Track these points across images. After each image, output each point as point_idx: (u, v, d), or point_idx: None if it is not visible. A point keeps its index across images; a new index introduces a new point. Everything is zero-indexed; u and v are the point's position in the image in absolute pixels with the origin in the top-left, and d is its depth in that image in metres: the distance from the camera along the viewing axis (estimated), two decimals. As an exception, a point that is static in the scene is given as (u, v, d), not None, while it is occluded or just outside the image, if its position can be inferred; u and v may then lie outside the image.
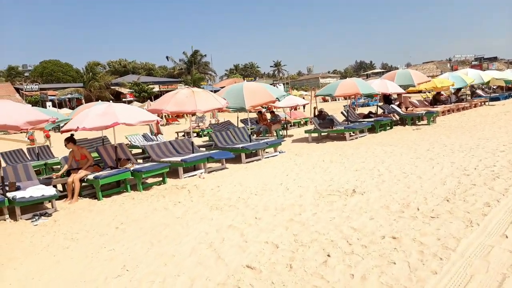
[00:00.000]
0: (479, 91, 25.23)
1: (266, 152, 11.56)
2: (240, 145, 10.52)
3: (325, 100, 51.90)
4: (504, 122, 13.24)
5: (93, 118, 7.74)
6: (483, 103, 21.99)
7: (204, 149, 11.54)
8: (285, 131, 16.95)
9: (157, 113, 9.24)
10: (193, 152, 9.73)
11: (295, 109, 33.32)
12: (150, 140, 14.66)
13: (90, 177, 7.73)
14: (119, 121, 7.57)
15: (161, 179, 8.61)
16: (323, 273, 3.46)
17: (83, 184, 7.96)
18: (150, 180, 8.91)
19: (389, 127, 15.20)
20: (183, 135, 21.38)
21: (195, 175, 9.10)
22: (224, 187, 7.56)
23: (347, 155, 9.92)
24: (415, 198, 5.43)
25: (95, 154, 9.01)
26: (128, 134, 15.31)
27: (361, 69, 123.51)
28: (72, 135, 8.33)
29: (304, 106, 33.58)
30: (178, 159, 9.01)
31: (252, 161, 10.47)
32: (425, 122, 15.77)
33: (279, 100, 10.57)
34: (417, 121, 16.20)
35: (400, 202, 5.34)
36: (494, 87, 26.75)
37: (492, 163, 7.09)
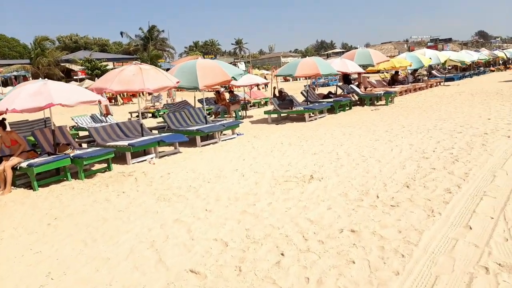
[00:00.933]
0: (435, 72, 25.80)
1: (224, 135, 11.06)
2: (195, 127, 9.93)
3: (286, 80, 51.65)
4: (459, 103, 13.45)
5: (25, 98, 6.86)
6: (438, 84, 22.49)
7: (156, 131, 10.86)
8: (244, 111, 16.44)
9: (100, 92, 8.43)
10: (142, 136, 9.04)
11: (257, 88, 32.88)
12: (99, 122, 13.68)
13: (24, 164, 6.91)
14: (54, 102, 6.75)
15: (106, 165, 7.91)
16: (276, 276, 3.06)
17: (18, 172, 7.13)
18: (95, 167, 8.19)
19: (348, 108, 15.09)
20: (137, 116, 20.36)
21: (145, 160, 8.45)
22: (175, 174, 7.01)
23: (306, 137, 9.61)
24: (374, 184, 5.16)
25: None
26: (74, 115, 14.22)
27: (322, 49, 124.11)
28: (3, 119, 7.41)
29: (265, 85, 33.20)
30: (126, 143, 8.32)
31: (208, 144, 9.93)
32: (383, 102, 15.82)
33: (235, 79, 10.01)
34: (375, 102, 16.22)
35: (359, 189, 5.05)
36: (449, 67, 27.48)
37: (450, 145, 7.00)
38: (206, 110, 17.35)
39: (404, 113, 12.37)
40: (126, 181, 6.86)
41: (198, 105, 19.06)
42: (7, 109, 6.70)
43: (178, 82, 9.10)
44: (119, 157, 8.63)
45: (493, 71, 31.67)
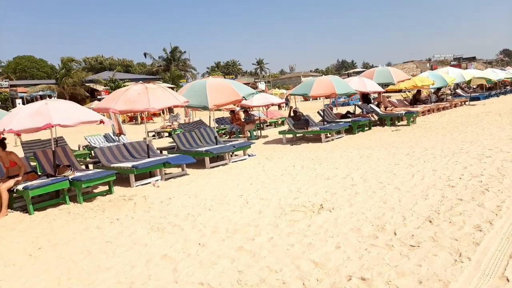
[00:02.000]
0: (459, 91, 24.83)
1: (235, 156, 10.60)
2: (204, 148, 9.51)
3: (306, 99, 51.14)
4: (487, 124, 12.60)
5: (22, 118, 6.61)
6: (463, 103, 21.54)
7: (166, 152, 10.51)
8: (259, 131, 15.99)
9: (106, 112, 8.14)
10: (148, 157, 8.67)
11: (279, 108, 32.43)
12: (112, 142, 13.48)
13: (20, 187, 6.60)
14: (53, 122, 6.46)
15: (108, 188, 7.53)
16: (264, 339, 2.50)
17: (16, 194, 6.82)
18: (98, 189, 7.83)
19: (367, 128, 14.43)
20: (153, 136, 20.23)
21: (149, 183, 8.05)
22: (177, 199, 6.54)
23: (321, 159, 9.03)
24: (391, 218, 4.54)
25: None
26: (88, 135, 14.09)
27: (343, 68, 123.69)
28: (3, 138, 7.17)
29: (281, 104, 32.82)
30: (130, 164, 7.95)
31: (218, 166, 9.48)
32: (404, 122, 15.08)
33: (245, 99, 9.59)
34: (396, 122, 15.50)
35: (374, 222, 4.44)
36: (474, 86, 26.44)
37: (479, 172, 6.29)
38: (221, 129, 17.15)
39: (427, 134, 11.63)
40: (124, 206, 6.43)
41: (214, 124, 18.84)
42: (4, 129, 6.45)
43: (186, 102, 8.74)
44: (125, 178, 8.27)
45: (522, 90, 30.31)
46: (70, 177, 6.98)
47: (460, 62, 66.91)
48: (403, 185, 5.95)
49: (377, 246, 3.76)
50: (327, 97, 14.92)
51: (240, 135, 15.28)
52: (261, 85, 73.54)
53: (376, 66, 18.11)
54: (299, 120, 13.21)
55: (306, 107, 30.40)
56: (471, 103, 21.94)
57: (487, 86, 26.27)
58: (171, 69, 65.33)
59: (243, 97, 9.35)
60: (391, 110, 15.73)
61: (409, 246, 3.70)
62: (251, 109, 21.55)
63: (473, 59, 72.24)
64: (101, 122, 7.19)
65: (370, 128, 14.53)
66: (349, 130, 13.76)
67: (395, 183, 6.12)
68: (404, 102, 19.43)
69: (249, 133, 15.55)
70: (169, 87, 24.29)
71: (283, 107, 36.85)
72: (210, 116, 17.05)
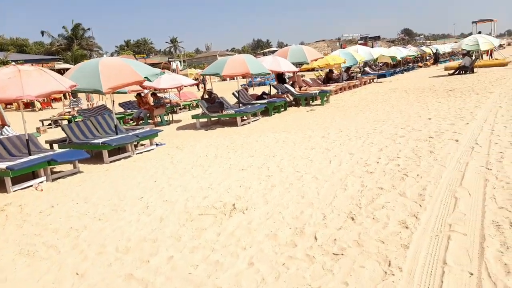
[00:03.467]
0: (368, 69, 25.88)
1: (142, 145, 9.47)
2: (101, 140, 8.23)
3: (223, 79, 50.09)
4: (395, 101, 12.97)
5: None
6: (371, 81, 22.41)
7: (57, 146, 8.99)
8: (171, 115, 14.78)
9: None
10: (29, 154, 7.20)
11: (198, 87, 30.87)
12: (-8, 135, 11.35)
13: None
14: None
15: (-28, 197, 6.03)
16: None
17: None
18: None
19: (283, 109, 14.09)
20: (49, 125, 17.86)
21: (32, 186, 6.67)
22: (61, 206, 5.37)
23: (236, 146, 8.34)
24: (311, 216, 3.99)
25: None
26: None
27: (259, 48, 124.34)
28: None
29: (199, 85, 31.48)
30: (3, 165, 6.47)
31: (119, 159, 8.30)
32: (319, 102, 15.05)
33: (149, 80, 8.45)
34: (311, 101, 15.42)
35: (292, 224, 3.85)
36: (381, 64, 27.79)
37: (395, 154, 6.08)
38: (128, 115, 15.60)
39: (341, 113, 11.57)
40: (-10, 221, 5.10)
41: (120, 109, 17.12)
42: None
43: (73, 86, 7.36)
44: (1, 182, 6.76)
45: (421, 67, 32.76)
46: None
47: (366, 41, 70.80)
48: (320, 173, 5.49)
49: (296, 259, 3.15)
50: (243, 77, 14.25)
51: (149, 121, 14.00)
52: (175, 64, 70.82)
53: (290, 45, 17.82)
54: (213, 102, 12.36)
55: (222, 88, 29.48)
56: (379, 80, 22.95)
57: (392, 63, 27.79)
58: (73, 48, 59.44)
59: (145, 77, 8.20)
60: (305, 90, 15.60)
61: (332, 255, 3.15)
62: (164, 91, 20.11)
63: (378, 38, 77.02)
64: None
65: (285, 109, 14.22)
66: (265, 112, 13.28)
67: (313, 172, 5.64)
68: (317, 81, 19.56)
69: (159, 118, 14.33)
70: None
71: (201, 88, 35.31)
72: (113, 101, 15.49)
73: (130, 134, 8.77)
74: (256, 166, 6.35)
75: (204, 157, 7.58)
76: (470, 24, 39.69)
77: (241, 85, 28.61)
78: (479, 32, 30.49)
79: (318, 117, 11.54)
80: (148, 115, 14.03)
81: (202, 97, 12.87)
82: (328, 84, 18.33)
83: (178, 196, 5.20)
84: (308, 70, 28.51)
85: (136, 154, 8.68)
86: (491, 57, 28.81)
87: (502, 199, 3.85)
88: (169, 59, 78.94)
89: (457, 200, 3.95)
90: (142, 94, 14.57)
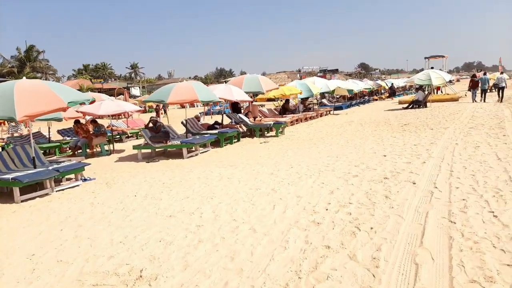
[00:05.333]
0: (325, 101, 25.85)
1: (68, 180, 8.23)
2: (12, 176, 6.95)
3: (182, 106, 48.78)
4: (350, 134, 12.50)
5: None
6: (328, 112, 22.23)
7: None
8: (112, 145, 13.45)
9: None
10: None
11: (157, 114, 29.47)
12: None
13: None
14: None
15: None
16: None
17: None
18: None
19: (236, 140, 13.28)
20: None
21: None
22: None
23: (173, 183, 7.33)
24: (237, 291, 3.05)
25: None
26: None
27: (221, 76, 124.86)
28: None
29: (159, 112, 30.00)
30: None
31: (35, 197, 7.03)
32: (274, 133, 14.39)
33: (74, 105, 7.35)
34: (266, 132, 14.74)
35: (210, 305, 2.89)
36: (338, 96, 27.93)
37: (347, 198, 5.32)
38: (65, 143, 14.15)
39: (294, 147, 10.88)
40: None
41: (59, 137, 15.60)
42: None
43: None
44: None
45: (376, 100, 33.39)
46: None
47: (325, 73, 72.71)
48: (261, 223, 4.60)
49: None
50: (191, 104, 13.37)
51: (88, 150, 12.69)
52: (135, 90, 68.87)
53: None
54: (158, 132, 11.33)
55: (182, 115, 28.43)
56: (335, 112, 22.82)
57: (348, 96, 28.00)
58: (25, 70, 56.47)
59: (69, 103, 7.09)
60: (260, 121, 14.92)
61: None
62: (112, 118, 18.81)
63: (336, 71, 79.41)
64: None
65: (239, 140, 13.40)
66: (217, 143, 12.40)
67: (252, 220, 4.74)
68: (274, 111, 19.04)
69: (100, 147, 13.03)
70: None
71: (162, 114, 33.53)
72: (49, 127, 14.08)
73: (50, 168, 7.53)
74: (188, 212, 5.37)
75: (132, 198, 6.49)
76: (422, 61, 41.45)
77: (200, 113, 27.76)
78: (432, 68, 31.64)
79: (270, 149, 10.78)
80: (86, 144, 12.72)
81: (146, 126, 11.79)
82: (285, 115, 17.81)
83: (78, 255, 4.10)
84: (269, 100, 28.10)
85: (57, 191, 7.44)
86: (441, 93, 29.82)
87: (472, 266, 3.11)
88: (128, 85, 77.04)
89: (418, 268, 3.16)
90: (80, 121, 13.27)
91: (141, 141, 15.18)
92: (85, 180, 8.26)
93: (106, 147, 13.28)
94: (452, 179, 5.83)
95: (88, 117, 14.79)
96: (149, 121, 11.82)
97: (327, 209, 4.93)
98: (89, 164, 8.63)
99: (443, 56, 38.66)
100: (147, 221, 5.14)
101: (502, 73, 25.36)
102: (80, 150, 12.71)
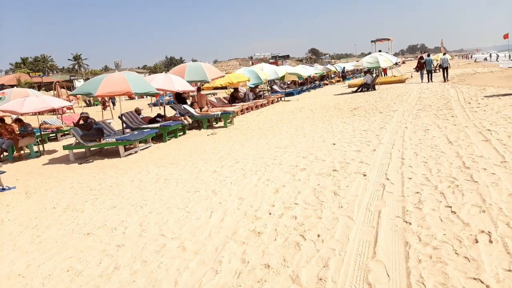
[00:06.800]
0: (276, 87, 25.39)
1: (-21, 191, 7.07)
2: None
3: (131, 98, 46.36)
4: (300, 121, 12.04)
5: None
6: (279, 99, 21.78)
7: None
8: (42, 146, 12.08)
9: None
10: None
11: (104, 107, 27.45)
12: None
13: None
14: None
15: None
16: None
17: None
18: None
19: (182, 133, 12.41)
20: None
21: None
22: None
23: (102, 189, 6.44)
24: None
25: None
26: None
27: (172, 65, 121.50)
28: None
29: (107, 105, 28.07)
30: None
31: None
32: (222, 123, 13.65)
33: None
34: (214, 123, 13.97)
35: None
36: (289, 82, 27.56)
37: (293, 198, 4.75)
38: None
39: (242, 138, 10.24)
40: None
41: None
42: None
43: None
44: None
45: (327, 84, 33.46)
46: None
47: (276, 59, 72.52)
48: (193, 238, 3.91)
49: None
50: (130, 96, 12.29)
51: (15, 153, 11.31)
52: (79, 83, 64.97)
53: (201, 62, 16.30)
54: (90, 129, 10.23)
55: (131, 107, 26.81)
56: (286, 98, 22.43)
57: (299, 81, 27.73)
58: (-50, 65, 51.41)
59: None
60: (207, 111, 14.10)
61: None
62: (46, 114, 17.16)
63: (287, 57, 79.56)
64: None
65: (185, 133, 12.54)
66: (160, 137, 11.48)
67: (183, 235, 4.04)
68: (224, 100, 18.24)
69: (28, 148, 11.68)
70: None
71: (109, 106, 31.08)
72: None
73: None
74: (110, 227, 4.56)
75: (50, 211, 5.56)
76: (369, 44, 42.14)
77: (148, 104, 26.27)
78: (380, 51, 32.08)
79: (217, 142, 10.06)
80: (12, 146, 11.32)
81: (76, 123, 10.63)
82: (234, 104, 17.08)
83: (-44, 300, 3.22)
84: (220, 88, 27.14)
85: (-38, 207, 6.31)
86: (386, 75, 30.35)
87: (433, 283, 2.61)
88: (71, 77, 72.68)
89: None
90: (5, 121, 11.79)
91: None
92: (3, 189, 7.15)
93: (35, 148, 11.94)
94: (404, 168, 5.43)
95: (14, 116, 13.25)
96: (80, 117, 10.66)
97: (270, 213, 4.32)
98: (4, 172, 7.48)
99: (388, 39, 39.49)
100: (59, 242, 4.29)
101: (444, 54, 26.10)
102: (6, 153, 11.33)
